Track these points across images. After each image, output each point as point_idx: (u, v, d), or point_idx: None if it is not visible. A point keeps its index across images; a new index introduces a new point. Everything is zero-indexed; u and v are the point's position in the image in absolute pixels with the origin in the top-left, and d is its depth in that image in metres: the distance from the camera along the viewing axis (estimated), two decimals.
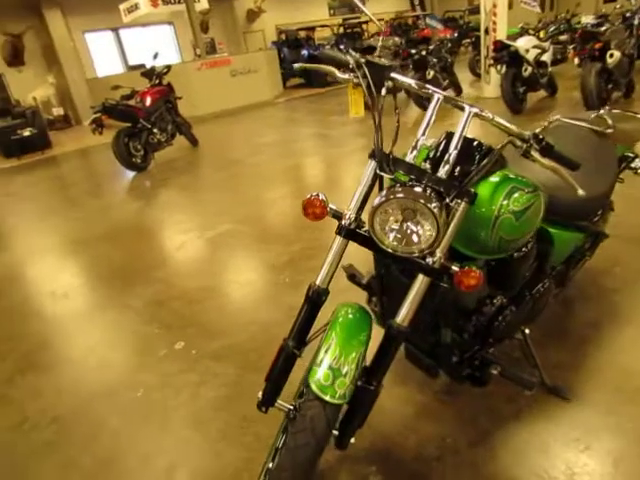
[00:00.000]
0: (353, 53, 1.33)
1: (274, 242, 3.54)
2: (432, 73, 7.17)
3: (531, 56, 6.30)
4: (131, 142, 6.02)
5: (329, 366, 1.21)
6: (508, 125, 1.32)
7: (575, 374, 1.90)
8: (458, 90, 7.99)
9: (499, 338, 1.71)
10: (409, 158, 1.31)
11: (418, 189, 1.19)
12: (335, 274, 1.39)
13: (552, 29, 8.56)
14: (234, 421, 1.92)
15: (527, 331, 1.85)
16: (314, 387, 1.19)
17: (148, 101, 6.36)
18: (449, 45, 8.86)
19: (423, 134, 1.33)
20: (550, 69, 6.87)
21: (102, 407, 2.12)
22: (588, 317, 2.23)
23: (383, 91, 1.33)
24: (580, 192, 1.35)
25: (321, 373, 1.20)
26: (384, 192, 1.21)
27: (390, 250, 1.25)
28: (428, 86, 1.34)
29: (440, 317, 1.52)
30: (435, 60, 7.53)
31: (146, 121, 6.13)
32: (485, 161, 1.28)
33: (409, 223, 1.20)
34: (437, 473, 1.57)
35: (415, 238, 1.21)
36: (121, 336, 2.68)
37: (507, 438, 1.66)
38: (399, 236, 1.22)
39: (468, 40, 12.59)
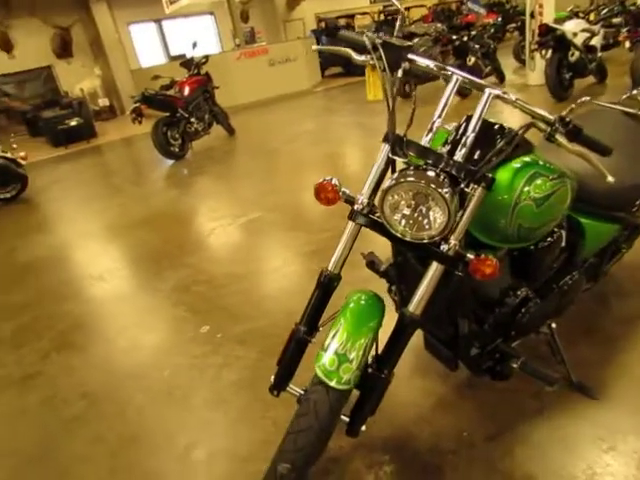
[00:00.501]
0: (369, 34, 1.30)
1: (303, 230, 3.55)
2: (473, 59, 6.95)
3: (579, 40, 5.99)
4: (169, 131, 6.16)
5: (335, 351, 1.20)
6: (531, 107, 1.26)
7: (605, 372, 1.81)
8: (500, 77, 7.70)
9: (522, 331, 1.65)
10: (424, 141, 1.27)
11: (430, 173, 1.15)
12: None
13: (604, 11, 8.10)
14: (253, 404, 1.95)
15: (554, 325, 1.79)
16: (319, 372, 1.18)
17: (186, 91, 6.47)
18: (492, 30, 8.56)
19: (439, 116, 1.28)
20: (600, 54, 6.51)
21: (130, 385, 2.20)
22: (623, 313, 2.12)
23: (399, 72, 1.30)
24: (609, 179, 1.28)
25: (327, 358, 1.20)
26: (395, 175, 1.18)
27: (400, 235, 1.22)
28: (447, 67, 1.30)
29: (457, 307, 1.48)
30: (477, 46, 7.29)
31: (184, 110, 6.24)
32: (501, 144, 1.22)
33: (420, 208, 1.17)
34: (451, 466, 1.54)
35: (426, 224, 1.18)
36: (152, 318, 2.77)
37: (527, 434, 1.61)
38: (410, 221, 1.19)
39: (514, 25, 12.08)
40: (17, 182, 5.78)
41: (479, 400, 1.78)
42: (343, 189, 1.35)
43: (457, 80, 1.29)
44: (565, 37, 5.90)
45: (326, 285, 1.39)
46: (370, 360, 1.34)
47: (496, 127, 1.32)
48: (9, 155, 5.69)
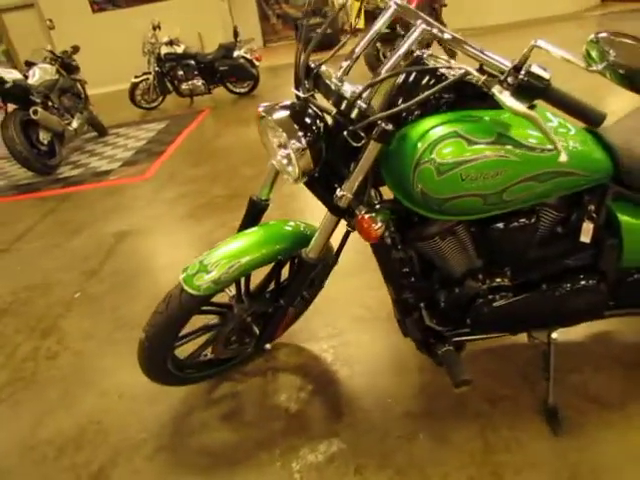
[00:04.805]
0: None
1: None
2: None
3: None
4: (383, 48, 6.16)
5: (201, 260, 1.29)
6: (481, 51, 1.02)
7: (604, 418, 1.40)
8: None
9: (482, 325, 1.41)
10: (337, 76, 1.15)
11: (287, 112, 1.07)
12: None
13: None
14: None
15: (554, 336, 1.46)
16: (181, 272, 1.30)
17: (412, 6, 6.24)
18: None
19: (361, 45, 1.14)
20: None
21: None
22: None
23: None
24: (563, 157, 0.97)
25: (192, 263, 1.30)
26: (273, 105, 1.12)
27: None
28: None
29: (383, 269, 1.34)
30: None
31: (400, 27, 6.09)
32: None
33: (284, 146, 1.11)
34: (351, 419, 1.51)
35: (287, 165, 1.13)
36: None
37: (444, 429, 1.43)
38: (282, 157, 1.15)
39: None
40: (251, 79, 6.76)
41: (436, 379, 1.61)
42: None
43: (394, 9, 1.10)
44: None
45: (251, 207, 1.45)
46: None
47: (438, 73, 1.10)
48: (248, 56, 6.64)
